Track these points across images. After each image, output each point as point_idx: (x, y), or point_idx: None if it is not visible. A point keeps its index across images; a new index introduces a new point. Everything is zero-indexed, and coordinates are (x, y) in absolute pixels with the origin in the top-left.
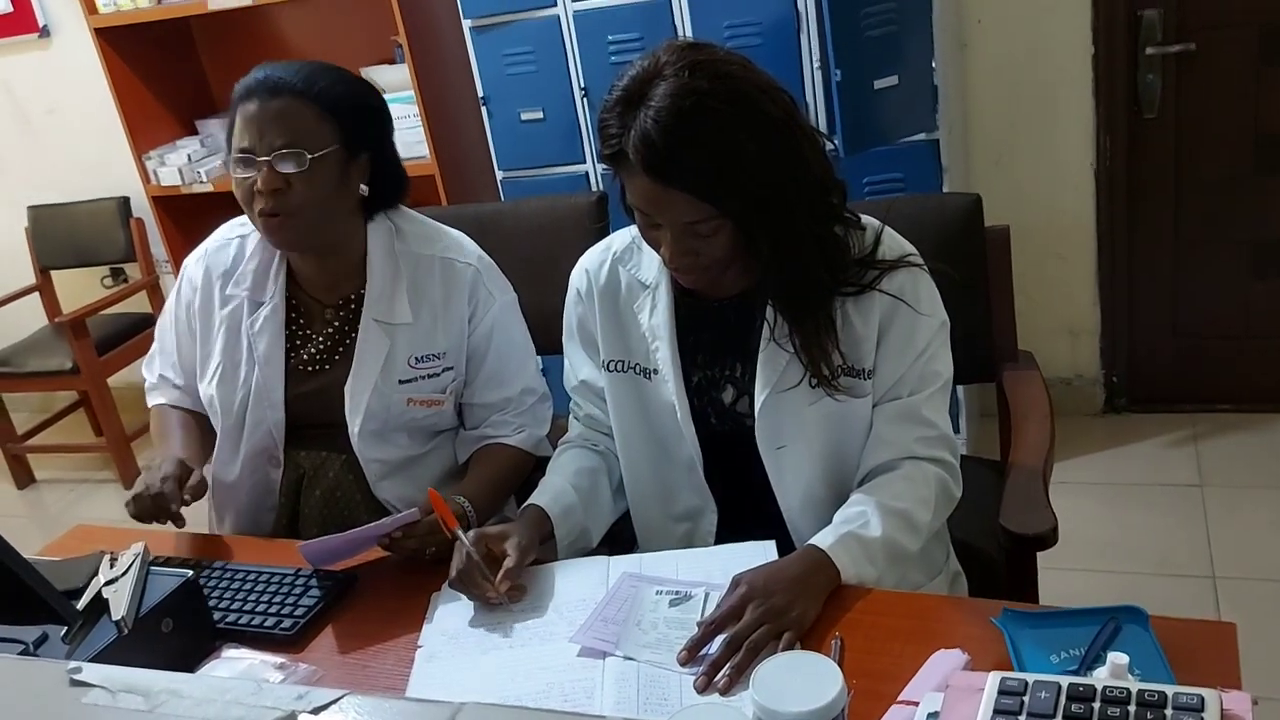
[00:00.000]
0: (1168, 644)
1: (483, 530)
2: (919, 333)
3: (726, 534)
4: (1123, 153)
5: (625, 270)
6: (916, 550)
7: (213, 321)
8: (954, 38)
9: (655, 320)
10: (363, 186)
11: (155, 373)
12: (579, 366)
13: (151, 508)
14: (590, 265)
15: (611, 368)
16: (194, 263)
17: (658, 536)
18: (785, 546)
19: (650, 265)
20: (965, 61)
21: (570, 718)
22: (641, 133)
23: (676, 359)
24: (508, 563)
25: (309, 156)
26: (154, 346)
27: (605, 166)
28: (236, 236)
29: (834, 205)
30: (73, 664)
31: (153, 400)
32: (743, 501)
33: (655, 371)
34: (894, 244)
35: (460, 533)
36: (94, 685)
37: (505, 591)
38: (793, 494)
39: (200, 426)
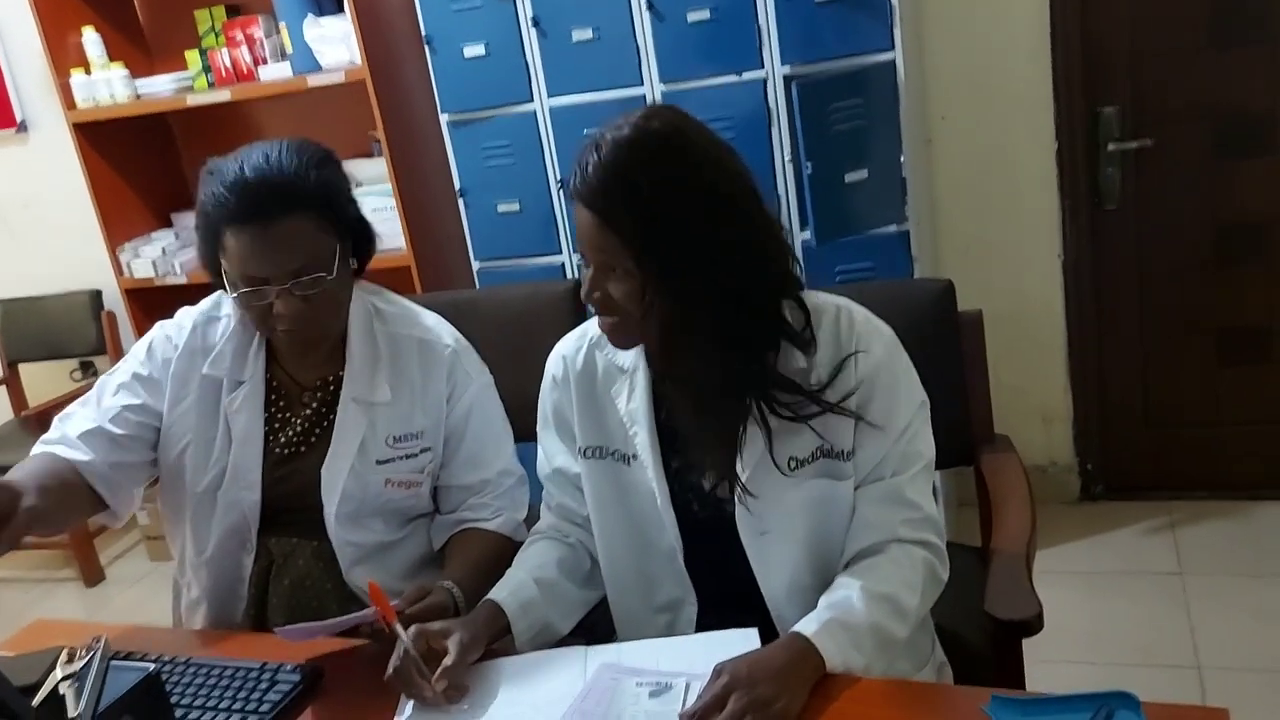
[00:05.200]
0: None
1: (424, 626)
2: (899, 412)
3: (708, 624)
4: (1087, 243)
5: (602, 355)
6: (904, 636)
7: (188, 390)
8: (919, 133)
9: (633, 404)
10: (353, 261)
11: (75, 427)
12: (554, 454)
13: None
14: (567, 351)
15: (589, 454)
16: (175, 329)
17: (637, 627)
18: (769, 635)
19: (628, 350)
20: (931, 156)
21: None
22: (583, 162)
23: (655, 444)
24: (447, 660)
25: (328, 278)
26: (77, 405)
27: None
28: (224, 315)
29: (766, 312)
30: None
31: (42, 448)
32: (725, 590)
33: (634, 457)
34: (866, 328)
35: (398, 628)
36: None
37: (442, 691)
38: (777, 581)
39: (75, 486)
